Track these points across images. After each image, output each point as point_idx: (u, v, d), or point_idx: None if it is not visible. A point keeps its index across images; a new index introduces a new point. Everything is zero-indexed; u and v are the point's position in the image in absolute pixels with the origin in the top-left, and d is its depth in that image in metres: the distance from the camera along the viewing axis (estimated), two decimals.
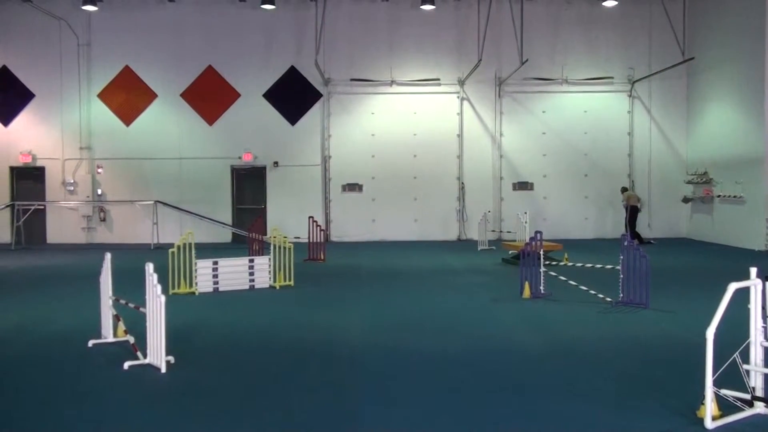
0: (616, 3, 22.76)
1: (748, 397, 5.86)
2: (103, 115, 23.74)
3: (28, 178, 23.84)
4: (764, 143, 19.47)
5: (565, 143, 24.10)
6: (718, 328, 5.55)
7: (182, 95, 23.74)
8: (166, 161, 23.73)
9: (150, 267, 7.53)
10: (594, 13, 23.79)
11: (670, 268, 15.88)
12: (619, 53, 24.01)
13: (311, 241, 18.05)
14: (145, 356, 7.67)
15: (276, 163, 23.84)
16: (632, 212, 22.26)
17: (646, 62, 23.87)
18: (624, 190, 22.85)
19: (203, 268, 12.97)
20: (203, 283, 12.89)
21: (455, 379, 7.15)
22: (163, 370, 7.38)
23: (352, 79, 23.77)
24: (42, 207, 23.45)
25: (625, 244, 11.05)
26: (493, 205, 24.00)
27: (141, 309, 7.73)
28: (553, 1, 23.77)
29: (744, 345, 5.91)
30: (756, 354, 5.92)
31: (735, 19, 20.91)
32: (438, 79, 23.90)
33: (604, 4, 22.88)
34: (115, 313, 8.57)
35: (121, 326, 8.46)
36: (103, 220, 23.83)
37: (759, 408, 5.85)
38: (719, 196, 21.84)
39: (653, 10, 23.68)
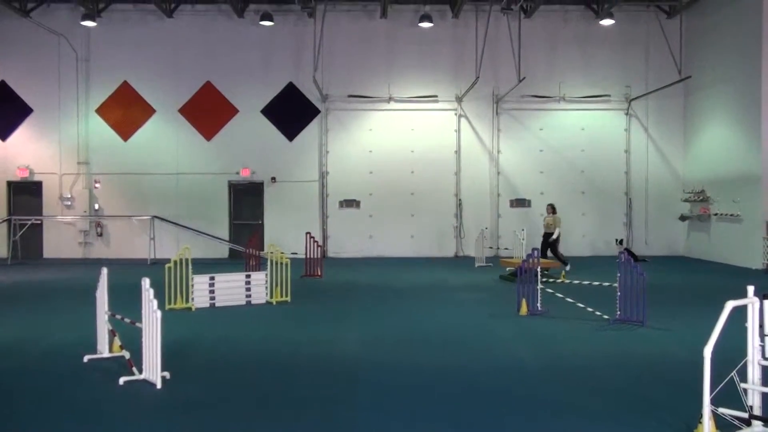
0: (613, 22, 22.89)
1: (745, 415, 5.84)
2: (100, 130, 23.77)
3: (26, 193, 23.82)
4: (761, 162, 19.54)
5: (562, 160, 24.16)
6: (716, 347, 5.54)
7: (180, 111, 23.79)
8: (163, 176, 23.74)
9: (146, 282, 7.51)
10: (591, 31, 23.92)
11: (667, 286, 15.86)
12: (616, 71, 24.12)
13: (308, 257, 18.04)
14: (140, 372, 7.63)
15: (273, 179, 23.85)
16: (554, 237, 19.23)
17: (643, 81, 23.98)
18: (553, 210, 19.51)
19: (200, 283, 12.95)
20: (200, 299, 12.87)
21: (452, 395, 7.12)
22: (159, 385, 7.34)
23: (350, 96, 23.83)
24: (39, 222, 23.42)
25: (623, 260, 11.05)
26: (490, 222, 24.01)
27: (137, 324, 7.70)
28: (550, 19, 23.91)
29: (741, 363, 5.90)
30: (753, 372, 5.91)
31: (731, 39, 21.04)
32: (435, 96, 23.98)
33: (602, 22, 23.03)
34: (110, 328, 8.54)
35: (117, 341, 8.42)
36: (100, 235, 23.79)
37: (757, 427, 5.82)
38: (716, 214, 21.87)
39: (650, 30, 23.85)
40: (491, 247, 23.14)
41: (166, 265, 12.57)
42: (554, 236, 18.91)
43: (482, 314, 12.16)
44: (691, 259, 23.12)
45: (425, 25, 22.86)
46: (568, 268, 18.41)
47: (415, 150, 24.04)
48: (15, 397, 7.19)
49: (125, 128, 23.84)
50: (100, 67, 23.70)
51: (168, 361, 7.73)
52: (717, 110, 22.06)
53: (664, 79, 23.08)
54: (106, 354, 8.63)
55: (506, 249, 22.78)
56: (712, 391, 5.61)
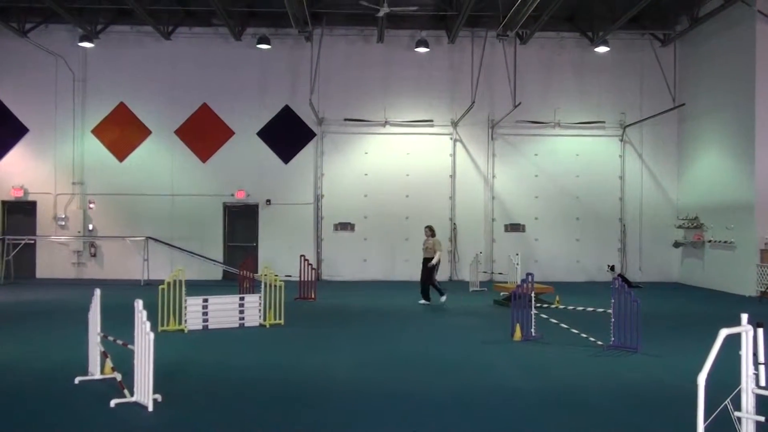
0: (608, 49, 23.08)
1: None
2: (96, 150, 23.77)
3: (19, 213, 23.76)
4: (754, 189, 19.63)
5: (557, 186, 24.23)
6: (710, 374, 5.52)
7: (176, 132, 23.83)
8: (158, 197, 23.72)
9: (139, 303, 7.48)
10: (586, 58, 24.11)
11: (661, 313, 15.86)
12: (611, 98, 24.28)
13: (302, 279, 18.00)
14: (132, 394, 7.57)
15: (268, 201, 23.86)
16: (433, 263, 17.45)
17: (637, 107, 24.14)
18: (432, 232, 17.78)
19: (193, 305, 12.89)
20: (193, 321, 12.80)
21: (444, 423, 7.07)
22: (150, 408, 7.28)
23: (345, 119, 23.92)
24: (32, 241, 23.32)
25: (617, 286, 11.05)
26: (484, 247, 24.02)
27: (129, 346, 7.65)
28: (545, 46, 24.10)
29: (735, 392, 5.88)
30: (747, 401, 5.88)
31: (725, 67, 21.21)
32: (431, 121, 24.08)
33: (597, 50, 23.21)
34: (102, 349, 8.48)
35: (109, 363, 8.36)
36: (94, 255, 23.71)
37: None
38: (710, 241, 21.92)
39: (645, 57, 24.05)
40: (486, 272, 23.10)
41: (160, 287, 12.52)
42: (434, 261, 17.22)
43: (476, 339, 12.12)
44: (685, 285, 23.13)
45: (421, 50, 23.01)
46: (443, 299, 17.14)
47: (410, 174, 24.09)
48: (4, 419, 7.11)
49: (121, 149, 23.85)
50: (96, 88, 23.75)
51: (160, 383, 7.66)
52: (711, 138, 22.18)
53: (658, 106, 23.26)
54: (97, 376, 8.57)
55: (500, 273, 22.71)
56: (706, 419, 5.59)
